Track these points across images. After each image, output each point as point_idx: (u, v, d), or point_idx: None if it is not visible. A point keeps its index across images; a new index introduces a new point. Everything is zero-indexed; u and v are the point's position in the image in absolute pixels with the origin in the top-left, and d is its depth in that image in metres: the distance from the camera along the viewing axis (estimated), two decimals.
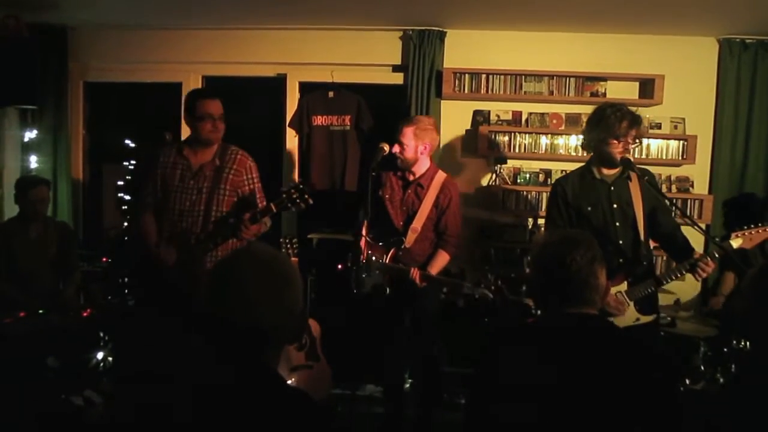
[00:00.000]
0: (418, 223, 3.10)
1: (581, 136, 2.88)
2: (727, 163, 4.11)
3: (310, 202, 2.74)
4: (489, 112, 4.25)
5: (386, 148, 3.06)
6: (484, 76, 4.15)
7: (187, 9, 4.01)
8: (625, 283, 2.63)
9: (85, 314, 3.56)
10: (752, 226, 2.53)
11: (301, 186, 2.75)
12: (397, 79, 4.37)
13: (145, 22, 4.29)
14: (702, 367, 3.15)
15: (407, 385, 3.62)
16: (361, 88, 4.34)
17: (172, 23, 4.31)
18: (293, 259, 3.19)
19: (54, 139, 4.41)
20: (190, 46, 4.42)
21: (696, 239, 3.50)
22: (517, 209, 4.16)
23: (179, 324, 2.19)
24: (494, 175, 4.20)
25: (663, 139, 4.07)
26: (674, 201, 3.02)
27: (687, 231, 2.90)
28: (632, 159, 2.70)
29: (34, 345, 3.19)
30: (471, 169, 4.30)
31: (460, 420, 3.38)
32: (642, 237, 2.68)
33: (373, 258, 3.14)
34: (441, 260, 3.12)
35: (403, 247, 3.11)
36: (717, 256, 2.58)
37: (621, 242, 2.68)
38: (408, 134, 3.07)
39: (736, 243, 2.54)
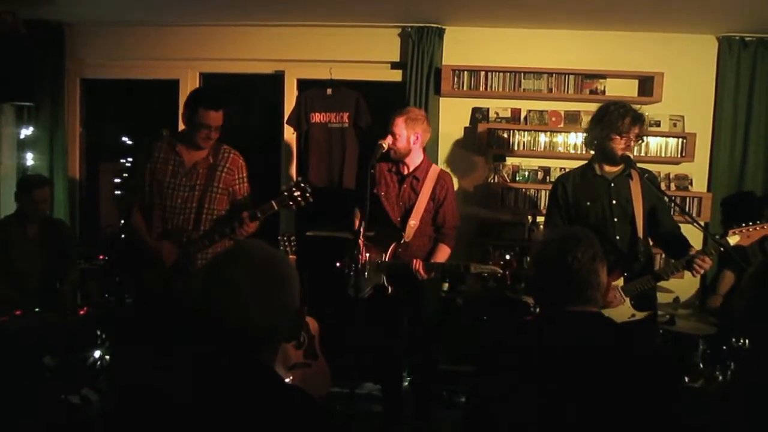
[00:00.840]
0: (416, 217, 3.08)
1: (584, 133, 2.90)
2: (726, 160, 4.10)
3: (311, 200, 2.75)
4: (488, 109, 4.24)
5: (385, 145, 3.04)
6: (483, 73, 4.14)
7: (185, 5, 3.98)
8: (621, 279, 2.65)
9: (82, 312, 3.55)
10: (750, 223, 2.54)
11: (302, 184, 2.76)
12: (396, 76, 4.35)
13: (142, 18, 4.26)
14: (701, 365, 3.16)
15: (405, 384, 3.61)
16: (360, 85, 4.31)
17: (170, 20, 4.28)
18: (291, 257, 3.18)
19: (50, 136, 4.38)
20: (187, 43, 4.39)
21: (694, 237, 3.50)
22: (516, 207, 4.15)
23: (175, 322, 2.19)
24: (493, 173, 4.19)
25: (662, 136, 4.06)
26: (673, 198, 3.01)
27: (685, 228, 2.91)
28: (632, 157, 2.70)
29: (30, 343, 3.18)
30: (470, 167, 4.29)
31: (459, 418, 3.40)
32: (640, 234, 2.69)
33: (372, 259, 3.12)
34: (443, 253, 3.10)
35: (402, 241, 3.08)
36: (714, 253, 2.59)
37: (618, 238, 2.71)
38: (399, 124, 3.06)
39: (733, 240, 2.55)
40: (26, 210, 3.56)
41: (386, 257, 3.09)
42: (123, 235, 4.35)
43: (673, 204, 2.83)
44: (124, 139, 4.78)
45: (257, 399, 1.21)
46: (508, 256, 3.08)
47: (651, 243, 2.86)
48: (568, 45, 4.19)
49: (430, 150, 4.17)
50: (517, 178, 4.20)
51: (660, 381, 1.53)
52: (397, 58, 4.31)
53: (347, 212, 3.49)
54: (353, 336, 3.55)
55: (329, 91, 4.25)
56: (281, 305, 1.28)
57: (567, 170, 3.25)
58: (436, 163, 4.22)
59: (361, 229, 3.10)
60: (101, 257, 4.22)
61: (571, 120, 4.19)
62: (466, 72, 4.15)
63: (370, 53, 4.32)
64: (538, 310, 3.44)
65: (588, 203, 2.74)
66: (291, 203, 2.76)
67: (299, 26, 4.28)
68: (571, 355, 1.48)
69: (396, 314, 3.17)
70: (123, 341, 3.46)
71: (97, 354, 3.58)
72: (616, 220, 2.71)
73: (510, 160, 4.22)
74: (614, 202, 2.72)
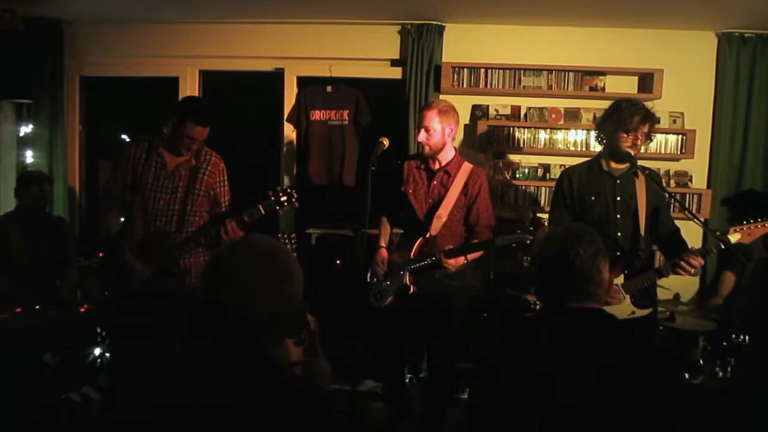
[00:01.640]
0: (444, 210, 2.94)
1: (595, 128, 2.90)
2: (726, 157, 4.10)
3: (297, 205, 2.78)
4: (488, 106, 4.24)
5: (386, 142, 2.95)
6: (482, 70, 4.14)
7: (184, 2, 3.98)
8: (622, 276, 2.65)
9: (82, 310, 3.54)
10: (751, 221, 2.54)
11: (289, 189, 2.81)
12: (396, 73, 4.35)
13: (142, 15, 4.26)
14: (701, 362, 3.16)
15: (406, 381, 3.61)
16: (360, 82, 4.31)
17: (169, 17, 4.28)
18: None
19: (50, 133, 4.38)
20: (187, 41, 4.39)
21: (694, 234, 3.51)
22: (515, 204, 4.15)
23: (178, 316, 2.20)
24: (493, 170, 4.19)
25: (662, 133, 4.06)
26: (674, 195, 3.01)
27: (686, 225, 2.91)
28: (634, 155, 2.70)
29: (31, 341, 3.17)
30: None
31: (459, 415, 3.41)
32: (642, 231, 2.69)
33: (396, 260, 3.05)
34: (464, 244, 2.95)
35: (428, 236, 2.95)
36: (715, 250, 2.59)
37: (620, 234, 2.71)
38: (432, 117, 2.92)
39: (734, 237, 2.55)
40: (26, 206, 3.56)
41: (412, 254, 2.98)
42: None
43: (673, 201, 2.83)
44: (124, 136, 4.77)
45: (259, 388, 1.22)
46: (532, 215, 2.97)
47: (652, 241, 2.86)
48: (567, 42, 4.18)
49: None
50: (517, 175, 4.20)
51: (660, 377, 1.53)
52: (397, 56, 4.30)
53: (347, 210, 3.49)
54: (353, 333, 3.56)
55: (329, 88, 4.25)
56: (283, 296, 1.31)
57: (567, 167, 3.25)
58: None
59: (381, 241, 3.09)
60: (100, 255, 4.21)
61: (571, 117, 4.19)
62: (466, 69, 4.14)
63: (370, 50, 4.31)
64: (538, 307, 3.47)
65: (592, 198, 2.75)
66: (278, 208, 2.80)
67: (299, 24, 4.27)
68: (572, 351, 1.48)
69: (415, 314, 3.04)
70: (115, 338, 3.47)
71: (97, 351, 3.58)
72: (618, 216, 2.71)
73: (510, 157, 4.22)
74: (618, 198, 2.73)
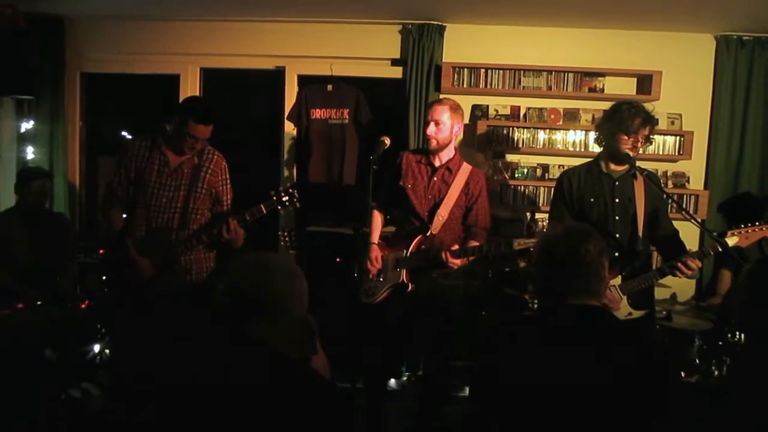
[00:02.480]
0: (445, 209, 2.95)
1: (595, 129, 2.91)
2: (723, 158, 4.14)
3: (299, 205, 2.79)
4: (487, 106, 4.26)
5: (387, 141, 2.95)
6: (483, 70, 4.16)
7: (186, 0, 3.99)
8: (619, 277, 2.66)
9: (83, 306, 3.55)
10: (749, 224, 2.56)
11: (291, 189, 2.81)
12: (396, 73, 4.37)
13: (143, 13, 4.27)
14: (697, 361, 3.18)
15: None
16: (360, 81, 4.33)
17: (170, 14, 4.29)
18: (291, 251, 3.18)
19: (50, 130, 4.39)
20: (188, 38, 4.40)
21: (691, 236, 3.54)
22: (514, 204, 4.18)
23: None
24: (492, 170, 4.22)
25: (660, 134, 4.08)
26: (671, 196, 3.03)
27: (684, 226, 2.93)
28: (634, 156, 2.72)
29: (31, 336, 3.18)
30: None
31: (456, 412, 3.43)
32: (640, 233, 2.71)
33: (391, 256, 3.02)
34: (473, 245, 2.92)
35: (429, 234, 2.94)
36: (712, 254, 2.61)
37: (618, 236, 2.72)
38: (444, 112, 2.92)
39: (732, 241, 2.56)
40: (26, 202, 3.56)
41: (409, 251, 2.97)
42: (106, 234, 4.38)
43: (671, 202, 2.85)
44: (124, 133, 4.78)
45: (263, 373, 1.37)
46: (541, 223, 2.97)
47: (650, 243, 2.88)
48: (567, 43, 4.21)
49: None
50: (516, 175, 4.22)
51: (658, 376, 1.56)
52: (397, 55, 4.33)
53: (347, 208, 3.49)
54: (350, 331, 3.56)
55: (330, 87, 4.27)
56: (296, 286, 1.53)
57: (566, 167, 3.27)
58: None
59: (374, 236, 3.05)
60: (101, 251, 4.22)
61: (570, 117, 4.22)
62: (466, 69, 4.17)
63: (370, 50, 4.33)
64: (535, 305, 3.49)
65: (591, 199, 2.76)
66: (279, 207, 2.81)
67: (300, 22, 4.29)
68: (574, 348, 1.51)
69: (410, 314, 3.02)
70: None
71: (97, 348, 3.59)
72: (617, 218, 2.73)
73: (509, 157, 4.25)
74: (617, 200, 2.74)
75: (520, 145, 4.17)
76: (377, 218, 3.21)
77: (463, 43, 4.23)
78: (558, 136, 4.17)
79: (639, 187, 2.72)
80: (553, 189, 3.06)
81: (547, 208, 3.49)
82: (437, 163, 3.03)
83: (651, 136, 2.75)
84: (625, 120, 2.64)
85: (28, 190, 3.53)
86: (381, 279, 3.01)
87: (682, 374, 3.11)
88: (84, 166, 4.75)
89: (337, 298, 3.70)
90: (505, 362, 1.58)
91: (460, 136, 4.14)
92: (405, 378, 3.75)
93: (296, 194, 2.81)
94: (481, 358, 1.68)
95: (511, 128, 4.17)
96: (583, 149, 4.13)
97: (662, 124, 4.14)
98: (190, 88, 4.48)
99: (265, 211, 2.81)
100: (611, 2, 3.69)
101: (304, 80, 4.46)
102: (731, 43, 4.10)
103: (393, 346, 3.25)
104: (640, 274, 2.67)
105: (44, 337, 3.24)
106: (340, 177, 4.27)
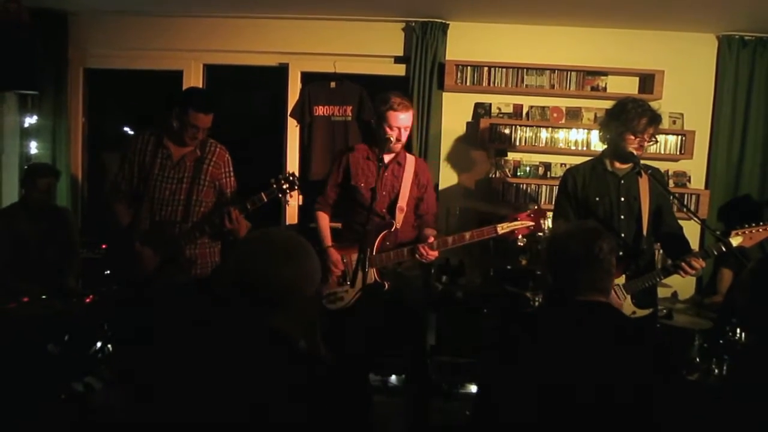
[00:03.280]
0: (403, 202, 2.99)
1: (599, 127, 2.91)
2: (724, 158, 4.16)
3: (298, 193, 2.77)
4: (490, 104, 4.27)
5: (393, 139, 2.94)
6: (486, 68, 4.17)
7: None
8: (623, 276, 2.67)
9: (87, 300, 3.56)
10: (753, 224, 2.57)
11: (290, 176, 2.80)
12: (399, 70, 4.38)
13: (147, 8, 4.26)
14: (697, 359, 3.21)
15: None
16: (363, 79, 4.34)
17: (174, 10, 4.28)
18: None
19: (53, 125, 4.38)
20: (191, 34, 4.39)
21: (692, 235, 3.55)
22: (516, 202, 4.19)
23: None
24: (494, 168, 4.23)
25: (661, 134, 4.08)
26: (674, 194, 3.04)
27: (684, 226, 2.95)
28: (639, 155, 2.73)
29: (36, 330, 3.20)
30: (471, 162, 4.33)
31: (458, 409, 3.45)
32: (644, 232, 2.72)
33: (353, 257, 2.92)
34: (430, 234, 2.96)
35: (393, 228, 2.95)
36: (716, 253, 2.62)
37: (623, 235, 2.73)
38: (410, 118, 2.96)
39: (735, 241, 2.58)
40: (32, 198, 3.57)
41: (375, 249, 2.90)
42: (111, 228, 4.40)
43: (673, 199, 2.85)
44: (126, 129, 4.78)
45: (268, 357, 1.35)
46: (534, 206, 2.94)
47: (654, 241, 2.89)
48: (570, 42, 4.23)
49: (433, 144, 4.22)
50: (518, 174, 4.24)
51: (663, 372, 1.57)
52: (400, 53, 4.33)
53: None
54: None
55: (333, 84, 4.28)
56: (307, 268, 1.46)
57: (567, 166, 3.28)
58: (438, 158, 4.28)
59: (328, 236, 3.04)
60: (103, 246, 4.23)
61: (573, 116, 4.23)
62: (469, 67, 4.18)
63: (374, 47, 4.34)
64: (537, 302, 3.51)
65: (596, 198, 2.76)
66: (280, 195, 2.80)
67: (304, 19, 4.29)
68: (584, 343, 1.52)
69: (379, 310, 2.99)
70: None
71: (101, 342, 3.60)
72: (622, 217, 2.73)
73: (511, 156, 4.26)
74: (622, 199, 2.74)
75: (523, 144, 4.19)
76: (325, 220, 3.15)
77: (467, 41, 4.24)
78: (560, 134, 4.18)
79: (644, 185, 2.73)
80: (557, 187, 3.07)
81: (549, 207, 3.50)
82: (387, 159, 3.01)
83: (656, 135, 2.75)
84: (631, 120, 2.63)
85: (35, 186, 3.55)
86: (348, 282, 2.92)
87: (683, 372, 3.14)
88: (86, 161, 4.75)
89: None
90: (513, 361, 1.60)
91: (461, 133, 4.18)
92: (404, 375, 3.76)
93: (296, 180, 2.80)
94: (488, 357, 1.70)
95: (513, 126, 4.18)
96: (585, 148, 4.14)
97: (664, 124, 4.07)
98: (193, 84, 4.47)
99: (266, 199, 2.81)
100: (614, 2, 3.70)
101: (307, 77, 4.46)
102: (733, 43, 4.12)
103: (376, 344, 3.23)
104: (644, 273, 2.68)
105: (48, 331, 3.26)
106: None
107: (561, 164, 4.15)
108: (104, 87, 4.80)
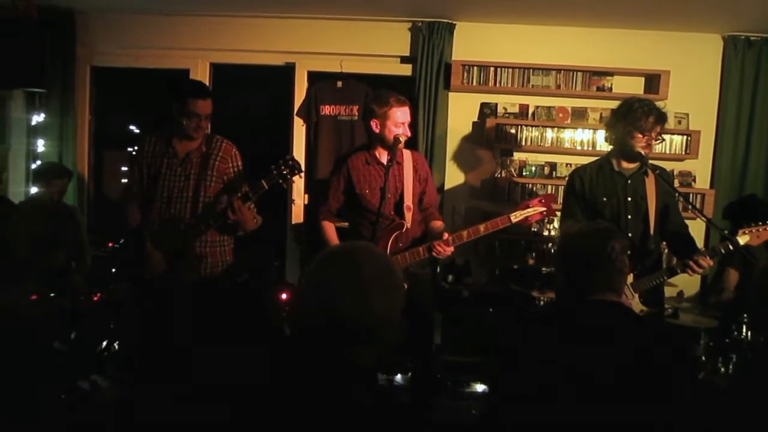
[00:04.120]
0: (409, 201, 2.94)
1: (605, 128, 2.91)
2: (729, 158, 4.17)
3: (300, 176, 2.69)
4: (496, 104, 4.29)
5: (402, 140, 2.90)
6: (492, 68, 4.19)
7: None
8: (631, 275, 2.68)
9: (95, 298, 3.58)
10: (760, 223, 2.58)
11: (291, 161, 2.73)
12: (406, 70, 4.39)
13: (154, 7, 4.27)
14: (703, 358, 3.22)
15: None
16: (370, 78, 4.35)
17: (181, 9, 4.29)
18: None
19: (60, 123, 4.39)
20: (198, 33, 4.40)
21: (698, 234, 3.57)
22: (521, 201, 4.19)
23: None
24: (500, 168, 4.25)
25: (667, 134, 4.07)
26: (680, 194, 3.05)
27: (690, 224, 2.96)
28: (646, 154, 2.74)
29: (43, 328, 3.20)
30: (477, 161, 4.34)
31: (463, 408, 3.45)
32: (652, 231, 2.73)
33: None
34: (439, 226, 2.95)
35: (405, 228, 2.90)
36: (723, 252, 2.62)
37: (630, 234, 2.74)
38: (408, 112, 2.91)
39: (743, 239, 2.58)
40: (43, 198, 3.58)
41: (388, 251, 2.88)
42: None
43: (679, 198, 2.86)
44: (132, 127, 4.80)
45: (347, 397, 1.23)
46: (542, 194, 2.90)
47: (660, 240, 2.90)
48: (576, 42, 4.24)
49: (439, 144, 4.23)
50: (524, 173, 4.25)
51: (675, 370, 1.58)
52: (407, 53, 4.34)
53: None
54: None
55: (339, 83, 4.29)
56: (394, 303, 1.31)
57: (573, 166, 3.29)
58: (444, 158, 4.29)
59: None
60: (110, 244, 4.24)
61: (578, 116, 4.24)
62: (475, 67, 4.19)
63: (380, 47, 4.35)
64: (542, 302, 3.52)
65: (604, 198, 2.77)
66: (281, 181, 2.74)
67: (310, 19, 4.30)
68: (597, 342, 1.53)
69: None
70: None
71: (107, 341, 3.61)
72: (630, 217, 2.74)
73: (517, 155, 4.27)
74: (629, 198, 2.75)
75: (528, 143, 4.20)
76: (330, 228, 3.09)
77: (473, 42, 4.25)
78: (566, 134, 4.20)
79: (650, 185, 2.74)
80: (564, 187, 3.08)
81: (555, 207, 3.51)
82: (384, 159, 2.93)
83: (662, 134, 2.76)
84: (638, 118, 2.64)
85: (49, 186, 3.55)
86: None
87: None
88: (93, 159, 4.76)
89: None
90: (526, 361, 1.61)
91: (467, 133, 4.17)
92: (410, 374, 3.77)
93: (297, 164, 2.72)
94: (502, 358, 1.70)
95: (519, 126, 4.20)
96: (590, 148, 4.16)
97: (669, 123, 4.10)
98: None
99: (266, 186, 2.75)
100: (620, 2, 3.71)
101: (313, 77, 4.47)
102: (739, 44, 4.14)
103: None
104: (651, 273, 2.69)
105: (55, 329, 3.26)
106: None
107: (567, 164, 4.17)
108: (111, 85, 4.81)
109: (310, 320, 1.29)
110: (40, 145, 4.38)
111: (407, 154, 3.01)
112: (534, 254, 4.14)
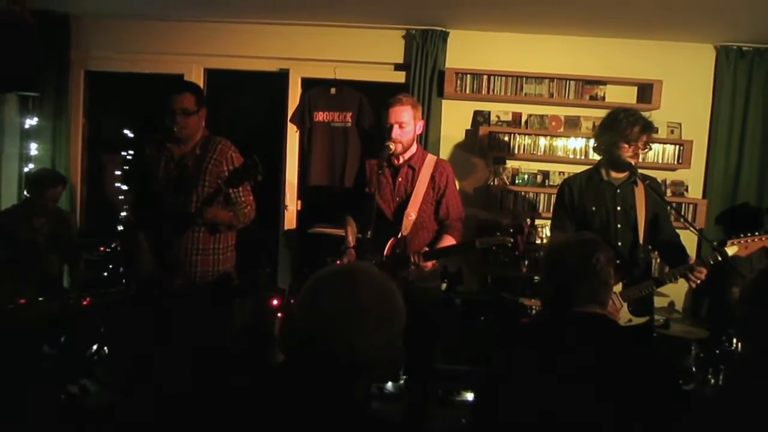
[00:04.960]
0: (413, 207, 2.83)
1: (593, 138, 2.92)
2: (722, 168, 4.18)
3: (259, 178, 2.60)
4: (489, 112, 4.29)
5: (392, 146, 2.84)
6: (485, 76, 4.19)
7: (192, 0, 4.01)
8: (620, 284, 2.68)
9: (84, 303, 3.56)
10: (749, 234, 2.59)
11: (254, 160, 2.63)
12: (399, 77, 4.40)
13: (148, 12, 4.28)
14: (693, 369, 3.22)
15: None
16: (363, 85, 4.36)
17: (175, 14, 4.30)
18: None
19: (54, 127, 4.40)
20: (192, 38, 4.41)
21: (689, 245, 3.56)
22: (514, 209, 4.20)
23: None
24: (493, 176, 4.25)
25: (659, 143, 4.12)
26: (672, 205, 3.06)
27: (681, 234, 2.96)
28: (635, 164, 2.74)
29: (32, 332, 3.19)
30: (470, 169, 4.35)
31: (455, 417, 3.44)
32: (641, 240, 2.73)
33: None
34: (446, 242, 2.82)
35: (400, 236, 2.82)
36: (712, 262, 2.63)
37: (620, 244, 2.74)
38: (407, 112, 2.81)
39: (731, 250, 2.58)
40: (36, 205, 3.58)
41: (384, 255, 2.83)
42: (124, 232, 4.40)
43: (671, 209, 2.87)
44: (126, 132, 4.79)
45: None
46: (516, 224, 2.77)
47: (650, 249, 2.90)
48: (569, 51, 4.25)
49: (432, 151, 4.20)
50: (517, 181, 4.26)
51: (660, 383, 1.58)
52: (400, 60, 4.35)
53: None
54: None
55: (333, 90, 4.30)
56: (392, 335, 1.21)
57: (566, 174, 3.29)
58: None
59: (353, 238, 2.93)
60: (102, 248, 4.23)
61: (571, 125, 4.25)
62: (468, 75, 4.20)
63: (374, 54, 4.36)
64: (534, 311, 3.52)
65: (593, 208, 2.78)
66: (242, 180, 2.69)
67: (305, 25, 4.31)
68: (580, 354, 1.53)
69: None
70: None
71: (97, 345, 3.60)
72: (619, 226, 2.74)
73: (510, 163, 4.28)
74: (619, 208, 2.75)
75: (521, 152, 4.20)
76: (352, 224, 3.07)
77: (466, 50, 4.26)
78: (559, 143, 4.20)
79: (639, 194, 2.75)
80: (555, 195, 3.08)
81: (547, 215, 3.52)
82: (398, 162, 2.90)
83: (650, 143, 2.77)
84: (624, 129, 2.65)
85: (43, 195, 3.55)
86: None
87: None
88: (86, 163, 4.75)
89: None
90: (512, 369, 1.60)
91: (459, 141, 4.18)
92: (402, 381, 3.76)
93: (258, 165, 2.60)
94: (488, 367, 1.70)
95: (512, 134, 4.20)
96: (583, 156, 4.16)
97: (662, 133, 4.18)
98: None
99: (224, 188, 2.72)
100: (613, 11, 3.73)
101: (307, 83, 4.48)
102: (731, 53, 4.15)
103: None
104: (641, 282, 2.69)
105: (44, 332, 3.25)
106: (342, 180, 4.30)
107: (559, 172, 4.17)
108: (105, 89, 4.81)
109: (302, 351, 1.20)
110: (33, 148, 4.37)
111: (430, 161, 2.92)
112: (526, 262, 4.14)
